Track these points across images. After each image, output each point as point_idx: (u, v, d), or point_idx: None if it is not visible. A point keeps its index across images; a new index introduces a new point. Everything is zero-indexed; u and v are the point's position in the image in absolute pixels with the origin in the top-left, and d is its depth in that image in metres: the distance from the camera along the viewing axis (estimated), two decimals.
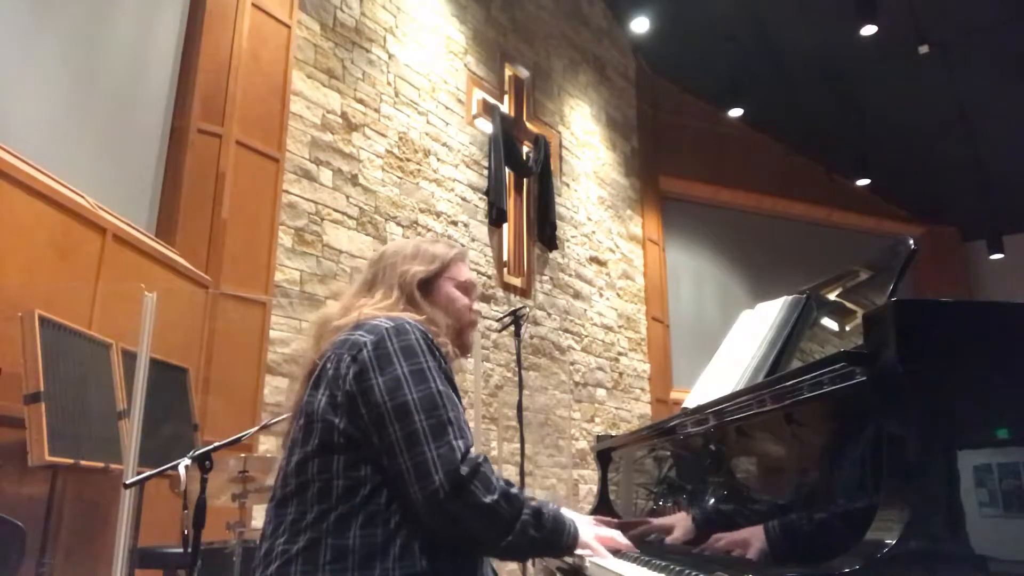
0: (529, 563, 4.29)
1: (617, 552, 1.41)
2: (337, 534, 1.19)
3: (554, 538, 1.29)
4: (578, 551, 1.36)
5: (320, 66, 4.88)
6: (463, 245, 5.87)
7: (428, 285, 1.49)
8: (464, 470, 1.20)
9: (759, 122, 9.28)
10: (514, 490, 1.25)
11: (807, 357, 1.72)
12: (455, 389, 1.32)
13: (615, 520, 1.68)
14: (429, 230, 5.54)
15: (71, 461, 2.52)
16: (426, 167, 5.65)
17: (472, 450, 1.24)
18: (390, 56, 5.49)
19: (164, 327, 3.05)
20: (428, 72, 5.84)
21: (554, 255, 6.90)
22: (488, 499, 1.20)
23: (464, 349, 1.54)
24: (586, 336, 7.15)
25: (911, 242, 1.51)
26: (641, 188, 8.45)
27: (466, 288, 1.54)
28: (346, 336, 1.33)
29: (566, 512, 1.36)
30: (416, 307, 1.44)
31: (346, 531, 1.19)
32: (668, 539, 1.64)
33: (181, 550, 2.73)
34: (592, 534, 1.37)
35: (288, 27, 4.65)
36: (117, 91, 3.74)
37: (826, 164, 9.66)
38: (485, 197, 6.23)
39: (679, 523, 1.63)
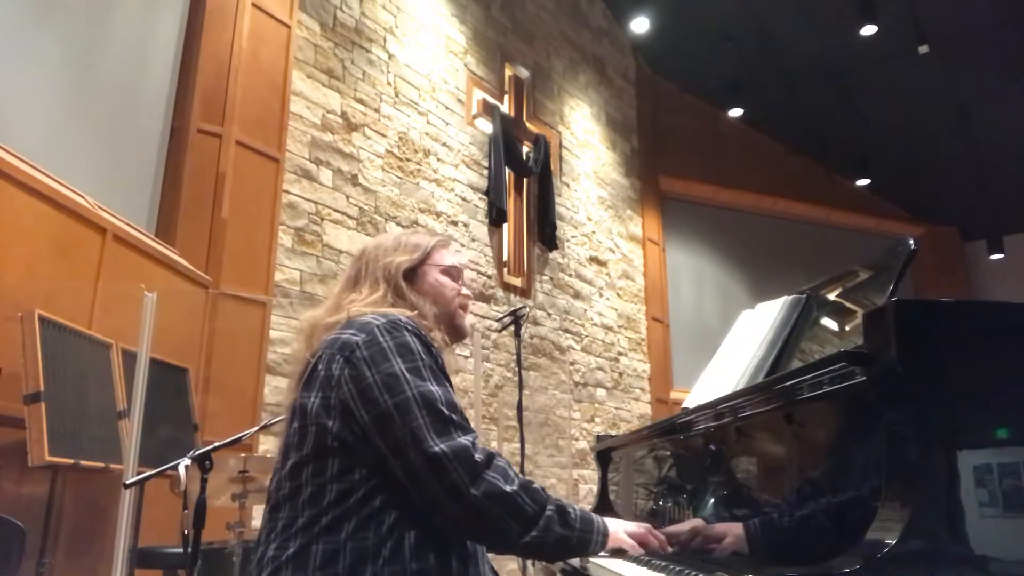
0: (529, 563, 4.28)
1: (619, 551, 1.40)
2: (327, 539, 1.17)
3: (584, 536, 1.25)
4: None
5: (320, 66, 4.88)
6: (462, 245, 5.87)
7: (413, 274, 1.47)
8: (479, 457, 1.19)
9: (759, 122, 9.28)
10: (536, 485, 1.24)
11: (807, 357, 1.72)
12: (450, 384, 1.31)
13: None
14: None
15: (71, 461, 2.52)
16: (426, 167, 5.65)
17: (479, 443, 1.23)
18: (390, 56, 5.49)
19: (164, 327, 3.05)
20: (428, 72, 5.84)
21: (554, 255, 6.90)
22: (509, 488, 1.18)
23: (459, 334, 1.52)
24: (586, 336, 7.15)
25: (911, 242, 1.51)
26: (641, 188, 8.45)
27: (451, 273, 1.52)
28: (336, 335, 1.31)
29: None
30: (403, 298, 1.42)
31: (336, 536, 1.16)
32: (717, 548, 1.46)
33: (181, 550, 2.73)
34: (623, 531, 1.32)
35: (288, 27, 4.65)
36: (117, 91, 3.74)
37: (826, 164, 9.65)
38: (485, 197, 6.23)
39: (731, 531, 1.44)
